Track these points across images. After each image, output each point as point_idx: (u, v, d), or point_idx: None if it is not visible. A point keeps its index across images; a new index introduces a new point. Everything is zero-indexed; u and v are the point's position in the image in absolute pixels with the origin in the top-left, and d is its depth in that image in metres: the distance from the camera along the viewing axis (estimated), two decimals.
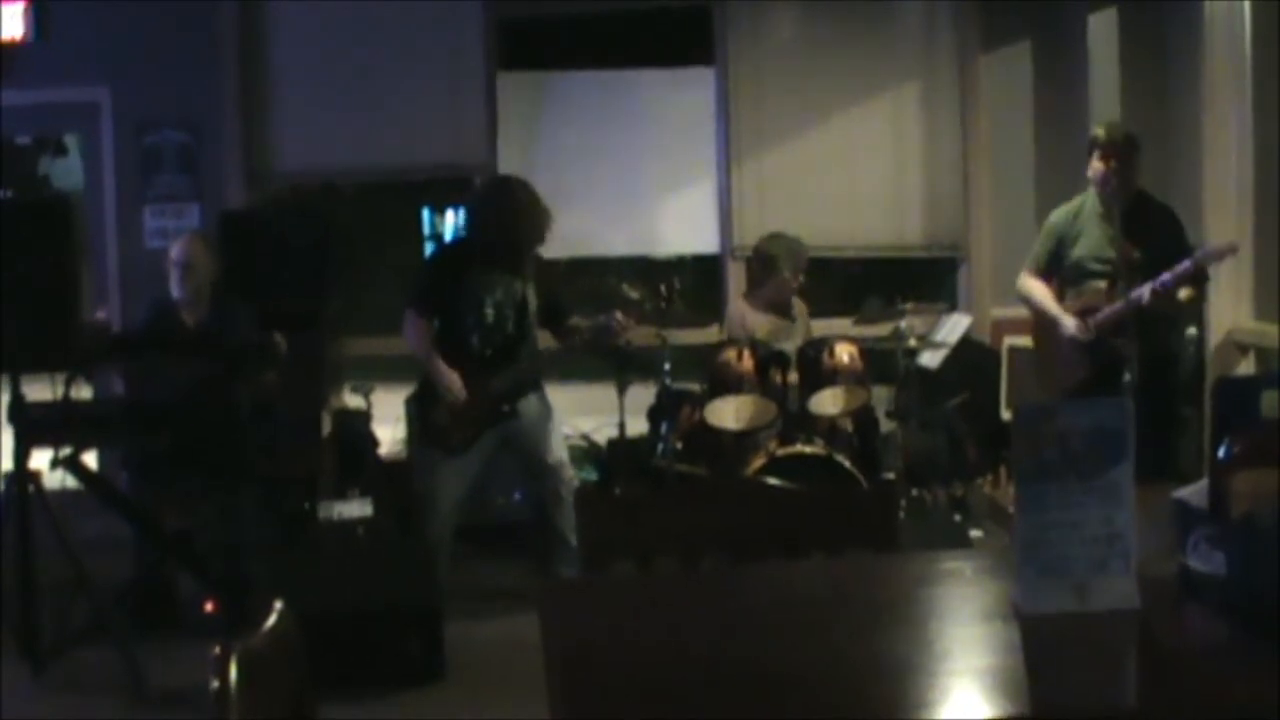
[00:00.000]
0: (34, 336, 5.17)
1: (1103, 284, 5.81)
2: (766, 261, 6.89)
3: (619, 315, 6.03)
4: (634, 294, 6.16)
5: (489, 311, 6.01)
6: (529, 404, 6.09)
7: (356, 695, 4.81)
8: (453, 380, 5.94)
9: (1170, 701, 1.71)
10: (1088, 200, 6.02)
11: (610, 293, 6.03)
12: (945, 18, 7.98)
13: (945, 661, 1.96)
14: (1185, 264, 5.63)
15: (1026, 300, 6.19)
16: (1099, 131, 5.94)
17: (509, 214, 5.96)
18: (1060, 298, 6.03)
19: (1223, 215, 6.52)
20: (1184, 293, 5.70)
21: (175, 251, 6.25)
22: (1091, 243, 5.93)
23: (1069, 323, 5.88)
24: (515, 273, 6.04)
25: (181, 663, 4.96)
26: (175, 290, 6.19)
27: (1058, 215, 6.14)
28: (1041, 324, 6.15)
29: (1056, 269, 6.07)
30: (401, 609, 5.21)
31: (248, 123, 7.83)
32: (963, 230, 8.04)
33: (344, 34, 7.85)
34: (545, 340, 6.32)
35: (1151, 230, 5.82)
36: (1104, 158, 5.81)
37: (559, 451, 6.15)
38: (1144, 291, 5.62)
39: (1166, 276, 5.60)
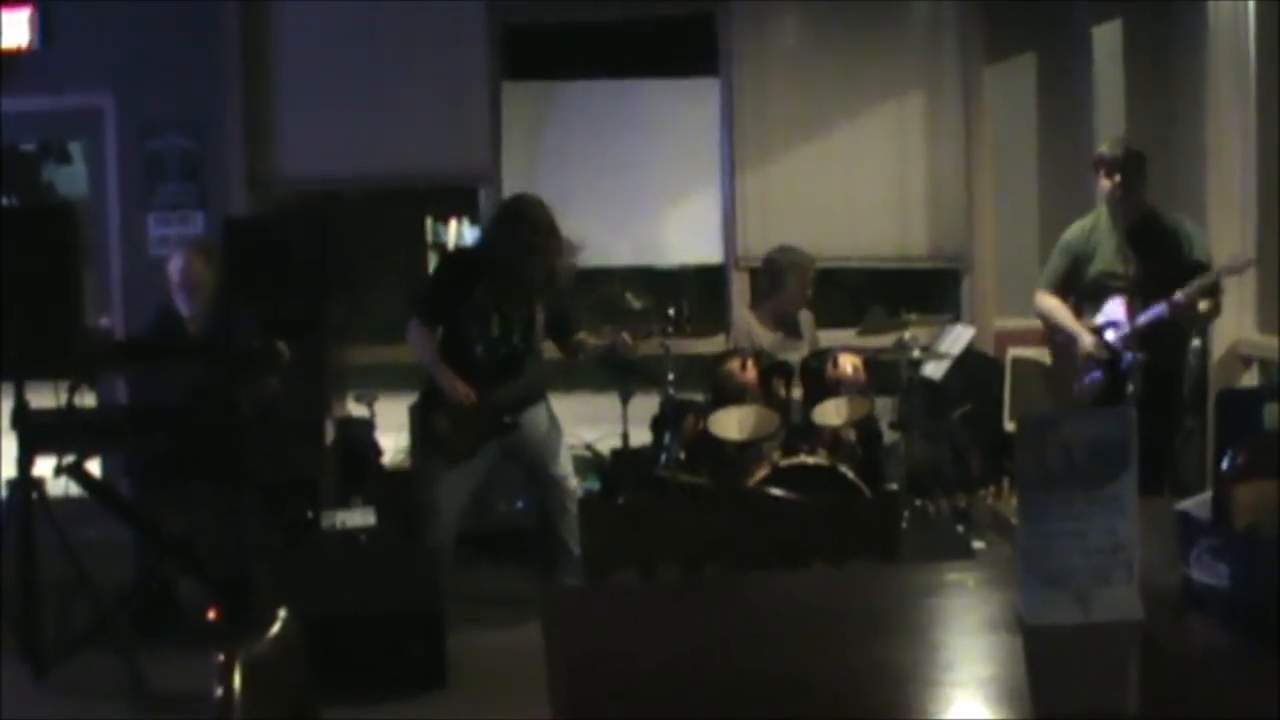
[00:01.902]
0: (37, 343, 5.17)
1: (1121, 300, 5.82)
2: (774, 273, 6.91)
3: (626, 336, 6.04)
4: (637, 304, 6.14)
5: (494, 322, 5.99)
6: (533, 416, 6.07)
7: (359, 702, 4.80)
8: (459, 387, 5.91)
9: (1173, 711, 1.71)
10: (1101, 217, 6.05)
11: (614, 302, 6.02)
12: (950, 28, 7.99)
13: (949, 671, 1.96)
14: (1203, 279, 5.69)
15: (1045, 318, 6.22)
16: (1103, 150, 5.96)
17: (524, 238, 5.92)
18: (1078, 315, 6.05)
19: (1227, 226, 6.53)
20: (1204, 304, 5.76)
21: (175, 270, 6.22)
22: (1107, 259, 5.95)
23: (1087, 340, 5.92)
24: (525, 284, 6.01)
25: (182, 668, 4.95)
26: (184, 308, 6.18)
27: (1072, 233, 6.17)
28: (1058, 341, 6.17)
29: (1072, 286, 6.10)
30: (404, 617, 5.21)
31: (252, 129, 7.84)
32: (967, 241, 8.04)
33: (348, 41, 7.86)
34: (550, 351, 6.32)
35: (1161, 247, 5.84)
36: (1109, 174, 5.83)
37: (564, 464, 6.15)
38: (1164, 308, 5.66)
39: (1185, 291, 5.65)
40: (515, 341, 6.03)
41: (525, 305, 6.02)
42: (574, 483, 6.18)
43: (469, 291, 5.98)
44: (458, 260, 6.30)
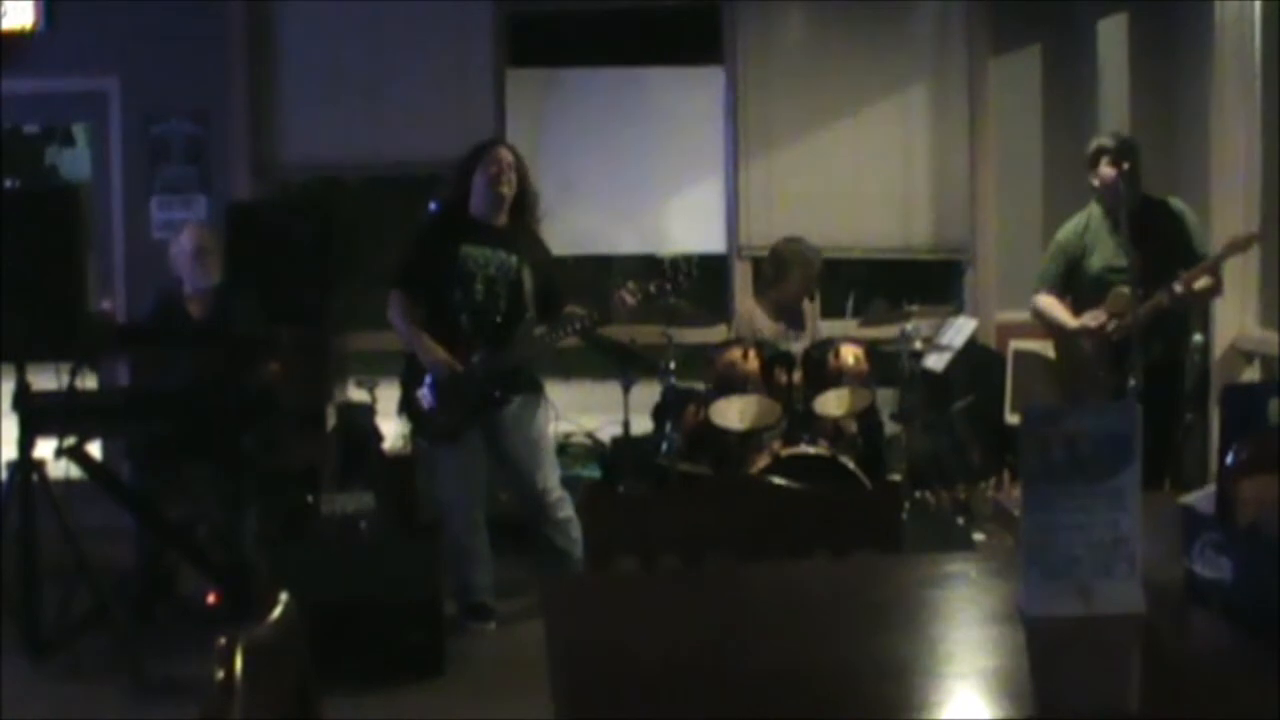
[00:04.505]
0: (40, 326, 5.17)
1: (1126, 290, 5.82)
2: (779, 263, 6.90)
3: (624, 293, 5.73)
4: (640, 292, 6.02)
5: (478, 287, 5.71)
6: (525, 410, 5.81)
7: (356, 690, 4.81)
8: (439, 355, 5.65)
9: (1174, 706, 1.71)
10: (1093, 213, 6.05)
11: (615, 291, 5.91)
12: (956, 20, 7.98)
13: (949, 663, 1.96)
14: (1204, 263, 5.73)
15: (1045, 319, 6.21)
16: (1105, 141, 5.97)
17: (478, 175, 5.73)
18: (1077, 313, 6.06)
19: (1230, 220, 6.53)
20: (1201, 282, 5.77)
21: (186, 241, 6.24)
22: (1107, 253, 5.95)
23: (1088, 320, 5.93)
24: (509, 248, 5.77)
25: (181, 652, 4.98)
26: (201, 280, 6.18)
27: (1065, 233, 6.16)
28: (1064, 341, 6.17)
29: (1070, 286, 6.11)
30: (402, 604, 5.20)
31: (256, 114, 7.85)
32: (970, 233, 8.05)
33: (353, 28, 7.86)
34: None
35: (1161, 232, 5.86)
36: (1115, 164, 5.83)
37: (550, 476, 5.87)
38: (1172, 288, 5.68)
39: (1184, 277, 5.69)
40: (502, 307, 5.74)
41: (510, 265, 5.75)
42: (558, 494, 5.86)
43: (448, 253, 5.70)
44: (431, 222, 6.00)
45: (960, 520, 6.88)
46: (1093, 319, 5.92)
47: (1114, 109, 7.56)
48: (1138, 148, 5.93)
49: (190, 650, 4.76)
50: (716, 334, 7.08)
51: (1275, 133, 6.52)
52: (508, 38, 8.02)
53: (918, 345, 6.73)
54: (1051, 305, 6.15)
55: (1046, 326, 6.29)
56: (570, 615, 2.23)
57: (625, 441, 6.79)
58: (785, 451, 6.12)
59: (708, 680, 1.87)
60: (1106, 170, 5.87)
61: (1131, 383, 5.66)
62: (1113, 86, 7.68)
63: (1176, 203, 6.05)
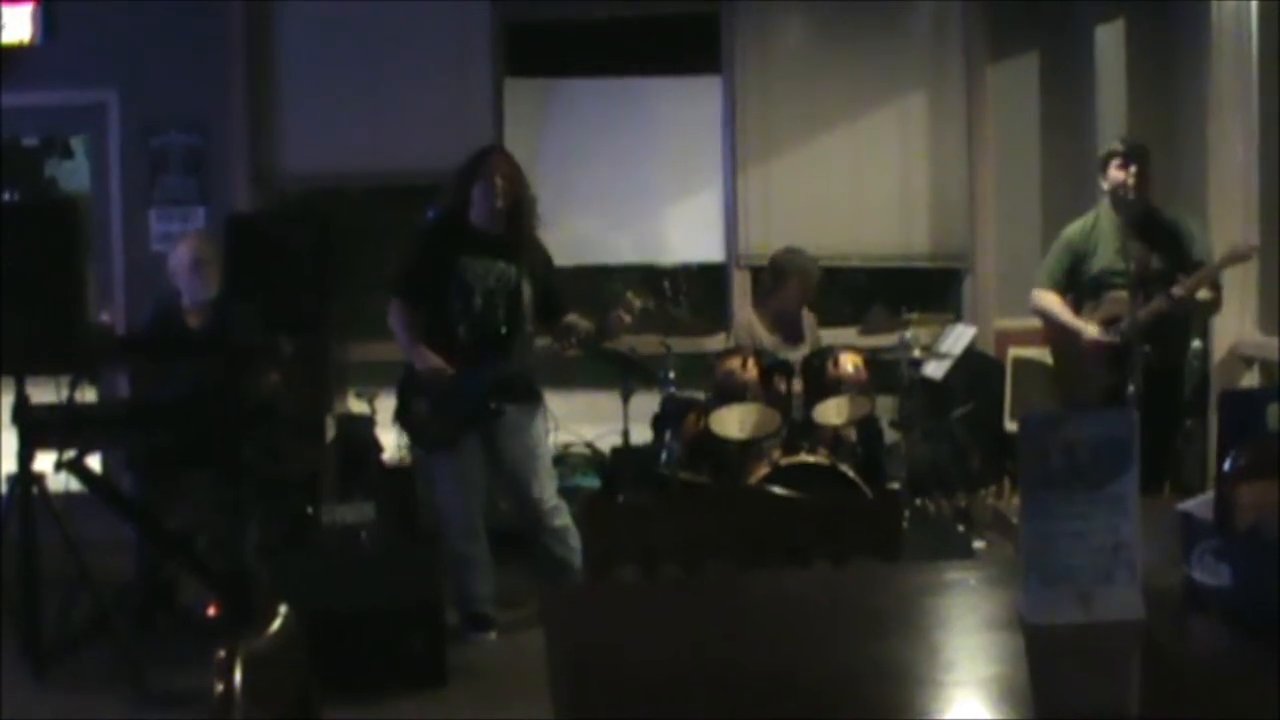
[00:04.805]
0: (39, 339, 5.17)
1: (1123, 294, 5.86)
2: (778, 273, 6.91)
3: (620, 312, 5.69)
4: (638, 301, 6.00)
5: (477, 299, 5.67)
6: (523, 418, 5.76)
7: (357, 700, 4.80)
8: (436, 364, 5.61)
9: (1173, 712, 1.71)
10: (1101, 215, 6.10)
11: (614, 300, 5.90)
12: (953, 27, 7.98)
13: (950, 670, 1.96)
14: (1203, 271, 5.77)
15: (1044, 315, 6.24)
16: (1116, 144, 6.04)
17: (475, 183, 5.68)
18: (1076, 312, 6.09)
19: (1228, 227, 6.54)
20: (1204, 293, 5.81)
21: (185, 253, 6.22)
22: (1109, 255, 5.99)
23: (1091, 329, 5.95)
24: (509, 259, 5.73)
25: (182, 663, 4.97)
26: (196, 293, 6.17)
27: (1072, 231, 6.19)
28: (1061, 339, 6.19)
29: (1072, 284, 6.14)
30: (403, 613, 5.19)
31: (255, 126, 7.85)
32: (968, 240, 8.04)
33: (351, 38, 7.87)
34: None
35: (1164, 242, 5.90)
36: (1124, 166, 5.89)
37: (546, 486, 5.81)
38: (1171, 293, 5.72)
39: (1185, 283, 5.74)
40: (500, 318, 5.70)
41: (510, 276, 5.71)
42: (553, 503, 5.80)
43: (446, 264, 5.67)
44: (430, 231, 5.91)
45: (960, 528, 6.88)
46: (1103, 334, 5.94)
47: (1112, 114, 7.57)
48: (1147, 152, 5.99)
49: (191, 660, 4.76)
50: (716, 343, 7.08)
51: (1273, 136, 6.53)
52: (506, 47, 8.02)
53: (917, 353, 6.73)
54: (1054, 304, 6.18)
55: (1045, 324, 6.31)
56: (571, 624, 2.23)
57: (625, 451, 6.79)
58: (785, 460, 6.12)
59: (708, 687, 1.87)
60: (1116, 173, 5.93)
61: (1130, 388, 5.67)
62: (1110, 92, 7.69)
63: (1181, 212, 6.10)
